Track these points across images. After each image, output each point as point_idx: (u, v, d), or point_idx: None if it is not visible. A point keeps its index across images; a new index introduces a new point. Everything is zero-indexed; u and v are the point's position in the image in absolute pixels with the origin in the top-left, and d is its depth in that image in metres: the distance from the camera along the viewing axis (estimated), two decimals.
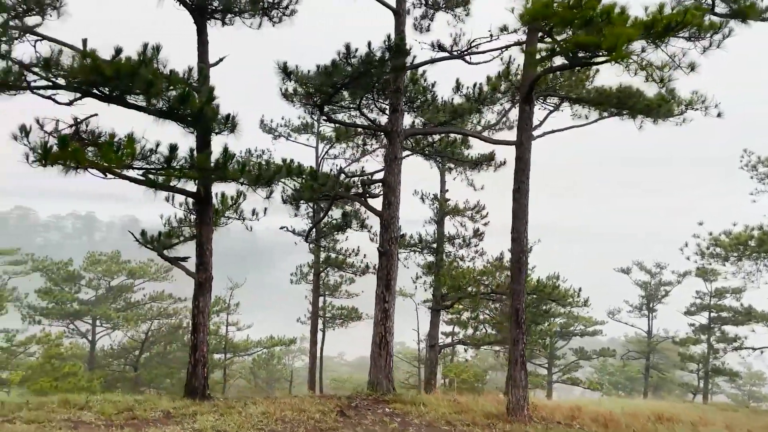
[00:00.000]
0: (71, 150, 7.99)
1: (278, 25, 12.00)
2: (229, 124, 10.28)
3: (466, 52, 13.29)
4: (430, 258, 26.47)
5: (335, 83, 11.03)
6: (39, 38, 9.87)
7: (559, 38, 8.82)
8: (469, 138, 19.71)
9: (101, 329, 38.81)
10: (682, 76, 10.02)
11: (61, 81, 9.34)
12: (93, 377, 31.00)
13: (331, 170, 17.00)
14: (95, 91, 9.57)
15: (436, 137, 19.47)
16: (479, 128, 18.71)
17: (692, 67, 9.53)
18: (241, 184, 10.52)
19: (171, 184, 10.91)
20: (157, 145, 9.32)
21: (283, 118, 26.28)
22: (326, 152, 26.10)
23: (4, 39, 8.66)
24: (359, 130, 18.83)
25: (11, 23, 9.53)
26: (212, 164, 9.68)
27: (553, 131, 14.77)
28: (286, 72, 10.98)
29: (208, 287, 11.44)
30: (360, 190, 15.08)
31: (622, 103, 11.77)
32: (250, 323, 37.24)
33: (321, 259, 25.07)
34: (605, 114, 14.96)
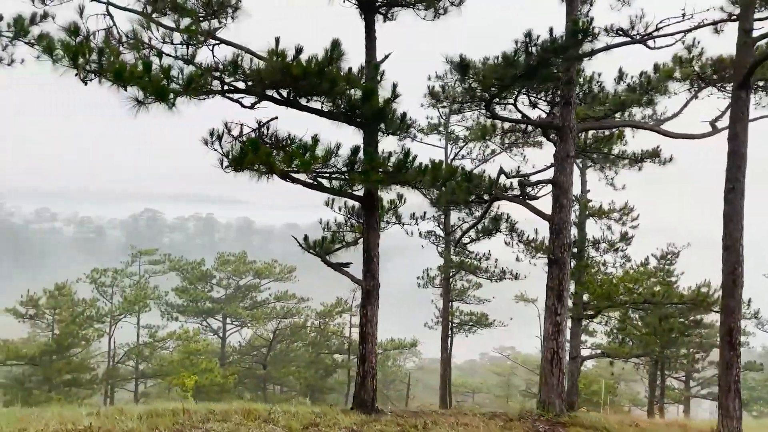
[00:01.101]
0: (264, 154, 7.66)
1: (443, 17, 11.27)
2: (404, 124, 9.65)
3: (648, 36, 11.83)
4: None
5: (514, 75, 10.07)
6: (217, 42, 9.76)
7: None
8: (624, 133, 18.05)
9: (231, 327, 40.51)
10: None
11: (240, 84, 9.16)
12: (227, 374, 32.25)
13: (484, 171, 16.05)
14: (272, 94, 9.32)
15: (589, 133, 17.97)
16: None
17: None
18: (414, 187, 9.86)
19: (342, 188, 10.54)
20: (338, 148, 8.87)
21: (410, 119, 25.68)
22: (457, 153, 25.27)
23: (192, 42, 8.55)
24: (503, 127, 17.74)
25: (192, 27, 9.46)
26: (391, 166, 9.08)
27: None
28: (461, 66, 10.17)
29: (376, 295, 10.90)
30: (517, 192, 14.03)
31: None
32: None
33: (452, 263, 24.20)
34: None
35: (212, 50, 9.74)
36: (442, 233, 25.43)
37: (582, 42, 10.30)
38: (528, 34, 9.95)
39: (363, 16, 10.59)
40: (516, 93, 12.46)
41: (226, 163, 7.92)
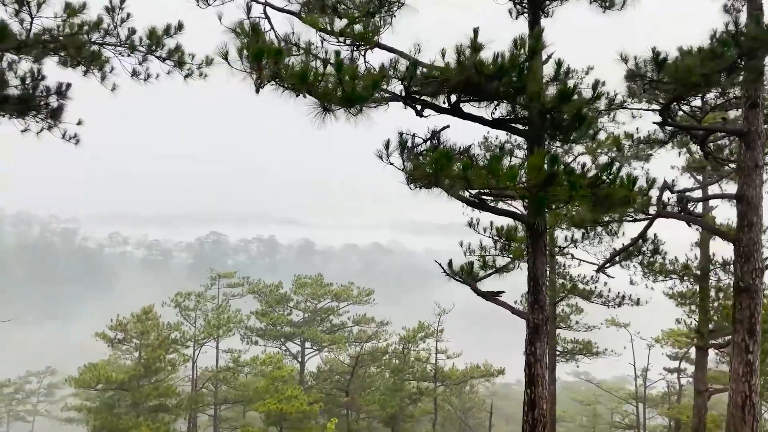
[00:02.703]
0: (461, 167, 6.45)
1: (609, 12, 9.89)
2: (591, 130, 8.26)
3: None
4: (684, 286, 22.68)
5: (720, 70, 8.54)
6: (368, 46, 8.71)
7: None
8: None
9: (309, 351, 39.56)
10: None
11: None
12: (311, 400, 31.16)
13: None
14: (434, 100, 8.16)
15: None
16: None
17: None
18: (605, 204, 8.42)
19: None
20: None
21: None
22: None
23: (359, 44, 7.52)
24: (640, 137, 16.04)
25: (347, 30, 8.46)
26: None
27: None
28: (658, 61, 8.69)
29: (545, 330, 9.46)
30: (678, 209, 12.35)
31: None
32: (460, 351, 35.44)
33: (563, 287, 22.40)
34: None
35: (363, 54, 8.73)
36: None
37: None
38: (735, 22, 8.44)
39: (528, 12, 9.34)
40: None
41: (411, 177, 6.76)
